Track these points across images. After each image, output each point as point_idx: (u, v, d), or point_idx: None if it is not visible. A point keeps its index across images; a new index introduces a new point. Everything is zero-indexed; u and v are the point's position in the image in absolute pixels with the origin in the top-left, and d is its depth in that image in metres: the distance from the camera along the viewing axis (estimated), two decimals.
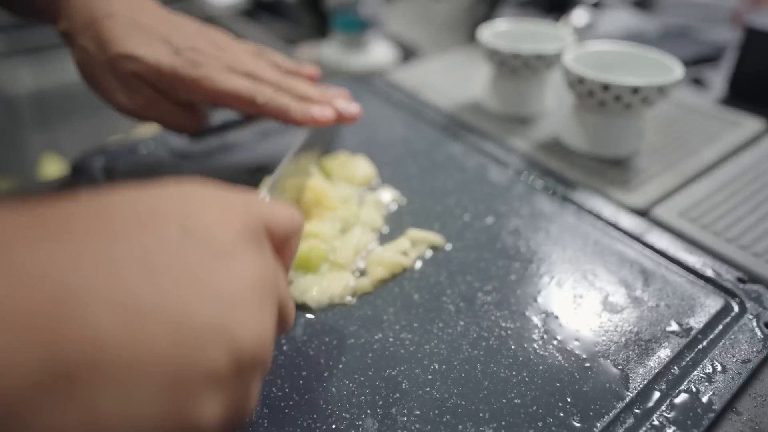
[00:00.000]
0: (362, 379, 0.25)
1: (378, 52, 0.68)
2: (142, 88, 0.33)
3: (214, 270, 0.15)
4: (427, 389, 0.25)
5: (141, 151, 0.44)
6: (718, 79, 0.60)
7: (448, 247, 0.33)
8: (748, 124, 0.48)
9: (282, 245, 0.21)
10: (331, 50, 0.68)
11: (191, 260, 0.15)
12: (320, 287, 0.30)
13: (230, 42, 0.37)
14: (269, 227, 0.19)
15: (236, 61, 0.35)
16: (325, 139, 0.41)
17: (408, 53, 0.72)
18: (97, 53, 0.32)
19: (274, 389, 0.25)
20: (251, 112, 0.34)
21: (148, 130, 0.80)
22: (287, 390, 0.25)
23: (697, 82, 0.60)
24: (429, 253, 0.33)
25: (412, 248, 0.33)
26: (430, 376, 0.25)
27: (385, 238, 0.34)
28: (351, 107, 0.37)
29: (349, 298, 0.30)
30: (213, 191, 0.18)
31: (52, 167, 0.79)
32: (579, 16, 0.73)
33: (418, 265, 0.32)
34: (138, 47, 0.31)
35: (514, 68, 0.47)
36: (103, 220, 0.15)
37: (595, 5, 0.76)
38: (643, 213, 0.38)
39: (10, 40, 0.89)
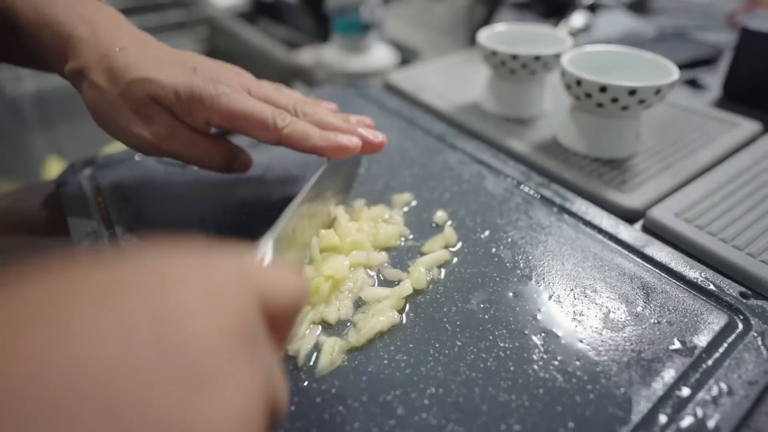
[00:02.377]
0: (356, 405, 0.24)
1: (378, 55, 0.67)
2: (159, 114, 0.31)
3: (192, 406, 0.12)
4: (424, 415, 0.24)
5: (131, 161, 0.42)
6: (715, 80, 0.60)
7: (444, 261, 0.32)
8: (745, 125, 0.48)
9: (280, 322, 0.17)
10: (331, 53, 0.67)
11: (161, 396, 0.11)
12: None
13: (247, 73, 0.35)
14: (267, 304, 0.16)
15: (254, 84, 0.33)
16: (344, 173, 0.37)
17: (407, 56, 0.71)
18: (109, 87, 0.30)
19: None
20: (268, 138, 0.32)
21: None
22: None
23: (694, 83, 0.59)
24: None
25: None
26: (426, 401, 0.24)
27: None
28: (378, 135, 0.34)
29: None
30: (197, 268, 0.15)
31: (56, 169, 0.79)
32: (576, 18, 0.73)
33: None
34: (153, 71, 0.30)
35: (512, 70, 0.46)
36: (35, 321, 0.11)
37: (592, 8, 0.76)
38: (640, 214, 0.38)
39: None
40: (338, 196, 0.37)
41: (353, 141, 0.32)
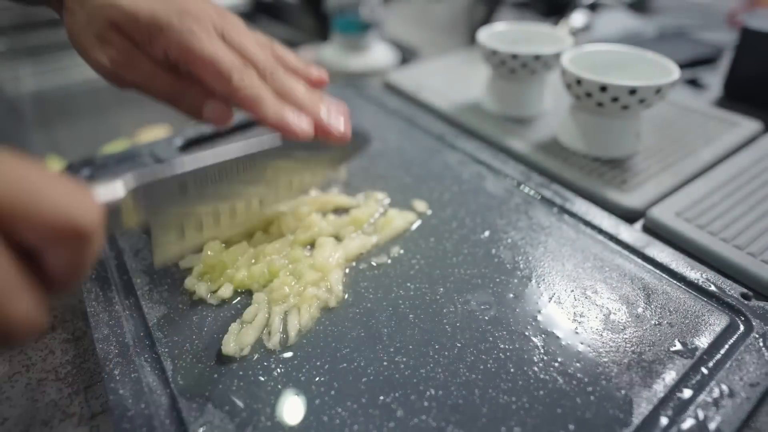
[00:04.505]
0: (355, 406, 0.24)
1: (378, 54, 0.67)
2: (118, 40, 0.30)
3: None
4: (423, 417, 0.23)
5: (129, 161, 0.42)
6: (715, 80, 0.59)
7: (445, 262, 0.32)
8: (745, 124, 0.48)
9: (43, 249, 0.15)
10: (330, 52, 0.67)
11: None
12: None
13: (237, 20, 0.32)
14: (12, 219, 0.14)
15: (231, 31, 0.30)
16: (329, 149, 0.34)
17: (407, 55, 0.71)
18: (79, 10, 0.30)
19: (263, 418, 0.23)
20: (222, 91, 0.29)
21: (150, 133, 0.79)
22: (276, 419, 0.23)
23: (694, 83, 0.59)
24: (425, 269, 0.32)
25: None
26: (426, 403, 0.24)
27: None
28: (337, 123, 0.31)
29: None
30: None
31: (55, 169, 0.79)
32: (577, 18, 0.72)
33: (414, 282, 0.31)
34: None
35: (512, 69, 0.46)
36: None
37: (593, 7, 0.75)
38: (640, 214, 0.38)
39: (12, 41, 0.88)
40: (324, 165, 0.35)
41: (303, 128, 0.29)
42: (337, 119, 0.31)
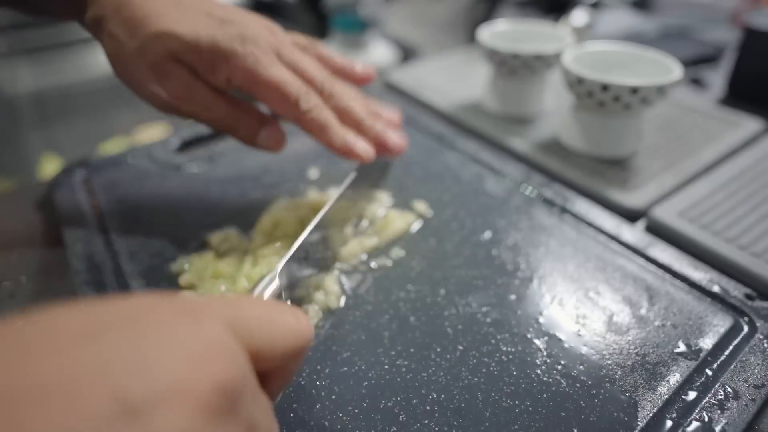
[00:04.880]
0: (356, 411, 0.24)
1: (377, 53, 0.67)
2: (177, 72, 0.28)
3: None
4: (426, 421, 0.23)
5: (126, 163, 0.42)
6: (718, 79, 0.59)
7: (446, 263, 0.32)
8: (747, 124, 0.47)
9: (276, 368, 0.16)
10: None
11: None
12: None
13: (279, 29, 0.32)
14: (260, 351, 0.15)
15: (284, 48, 0.30)
16: (378, 167, 0.36)
17: (407, 53, 0.71)
18: (127, 39, 0.28)
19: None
20: (287, 115, 0.30)
21: (148, 132, 0.79)
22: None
23: (697, 82, 0.59)
24: (426, 271, 0.32)
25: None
26: (428, 407, 0.24)
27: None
28: (399, 141, 0.33)
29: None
30: (177, 312, 0.13)
31: (52, 167, 0.79)
32: (578, 16, 0.72)
33: (415, 284, 0.31)
34: (174, 23, 0.27)
35: (513, 68, 0.46)
36: None
37: (595, 5, 0.75)
38: (642, 213, 0.37)
39: (10, 41, 0.88)
40: (372, 187, 0.37)
41: (366, 150, 0.31)
42: (394, 135, 0.33)
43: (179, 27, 0.28)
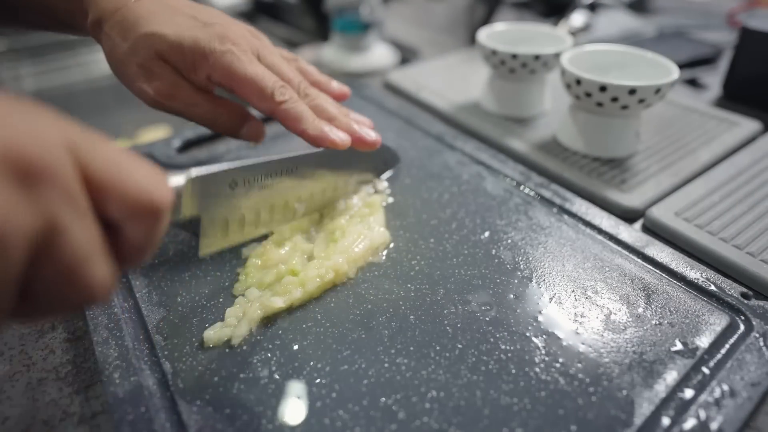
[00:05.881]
0: (356, 409, 0.24)
1: (377, 54, 0.67)
2: (162, 71, 0.31)
3: None
4: (425, 419, 0.23)
5: None
6: (714, 80, 0.59)
7: (445, 263, 0.32)
8: (744, 124, 0.48)
9: (123, 225, 0.17)
10: (330, 52, 0.67)
11: None
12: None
13: (266, 39, 0.35)
14: (95, 185, 0.16)
15: (265, 50, 0.33)
16: (361, 160, 0.37)
17: (407, 55, 0.71)
18: (120, 40, 0.30)
19: (264, 421, 0.23)
20: (264, 108, 0.32)
21: (150, 134, 0.79)
22: (277, 423, 0.23)
23: (694, 83, 0.59)
24: (425, 270, 0.32)
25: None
26: (427, 405, 0.24)
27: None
28: (370, 134, 0.34)
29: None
30: (22, 106, 0.14)
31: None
32: (576, 17, 0.72)
33: (414, 283, 0.31)
34: (162, 26, 0.30)
35: (512, 69, 0.46)
36: None
37: (592, 7, 0.75)
38: (640, 213, 0.38)
39: (12, 41, 0.88)
40: (358, 177, 0.38)
41: (342, 137, 0.32)
42: (366, 130, 0.34)
43: (166, 29, 0.30)
